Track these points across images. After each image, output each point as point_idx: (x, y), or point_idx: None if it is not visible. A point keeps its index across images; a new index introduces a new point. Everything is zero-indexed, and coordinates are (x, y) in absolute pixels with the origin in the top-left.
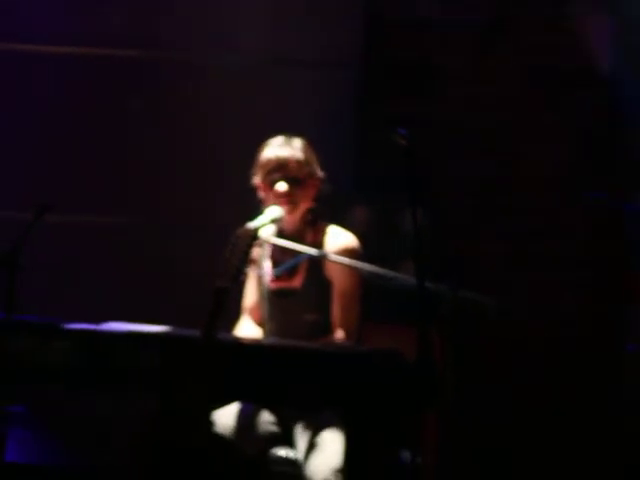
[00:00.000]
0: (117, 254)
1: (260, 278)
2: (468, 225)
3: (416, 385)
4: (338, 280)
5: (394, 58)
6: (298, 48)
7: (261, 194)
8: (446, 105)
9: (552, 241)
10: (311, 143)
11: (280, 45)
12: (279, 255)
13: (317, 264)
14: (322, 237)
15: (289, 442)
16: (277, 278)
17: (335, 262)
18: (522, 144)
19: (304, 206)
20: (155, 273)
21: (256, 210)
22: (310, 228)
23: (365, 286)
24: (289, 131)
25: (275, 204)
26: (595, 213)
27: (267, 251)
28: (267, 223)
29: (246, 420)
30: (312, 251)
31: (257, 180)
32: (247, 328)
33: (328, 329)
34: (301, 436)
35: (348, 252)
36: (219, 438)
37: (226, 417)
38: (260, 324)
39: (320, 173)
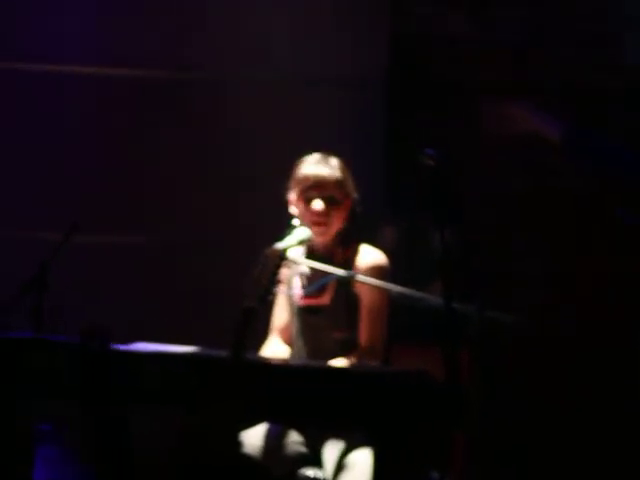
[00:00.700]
0: (144, 274)
1: (289, 297)
2: (497, 243)
3: (444, 405)
4: (366, 297)
5: (423, 75)
6: (327, 66)
7: (294, 209)
8: (476, 123)
9: (583, 257)
10: (346, 163)
11: (309, 63)
12: (309, 274)
13: (346, 281)
14: (352, 255)
15: (317, 462)
16: (306, 296)
17: (364, 281)
18: (553, 160)
19: (337, 227)
20: (182, 293)
21: (285, 229)
22: (340, 247)
23: (393, 306)
24: (319, 149)
25: (309, 221)
26: (627, 229)
27: (297, 270)
28: (295, 244)
29: (274, 440)
30: (341, 272)
31: (292, 195)
32: (275, 347)
33: (356, 346)
34: (329, 456)
35: (377, 270)
36: (247, 459)
37: (254, 437)
38: (289, 344)
39: (355, 194)
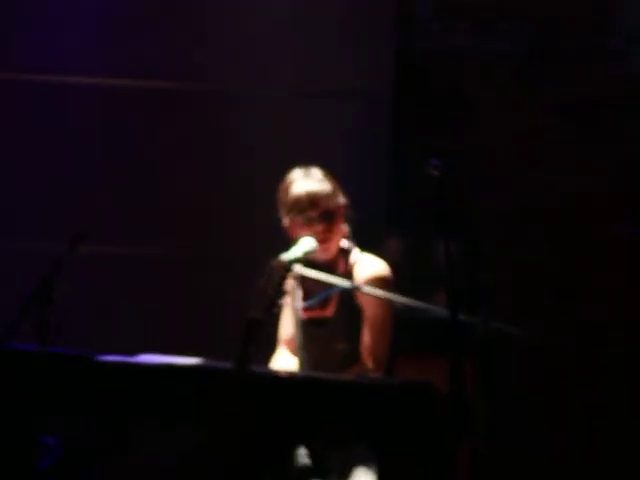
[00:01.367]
0: (149, 285)
1: (294, 308)
2: (501, 256)
3: (448, 417)
4: (369, 308)
5: (427, 89)
6: (331, 80)
7: (292, 233)
8: (479, 136)
9: (585, 273)
10: (339, 170)
11: (313, 77)
12: (311, 285)
13: (349, 293)
14: (354, 266)
15: (322, 475)
16: (309, 309)
17: (367, 293)
18: (556, 175)
19: (339, 237)
20: (187, 304)
21: (289, 241)
22: (342, 257)
23: (398, 318)
24: (321, 164)
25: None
26: (631, 245)
27: (299, 281)
28: (301, 255)
29: None
30: (344, 283)
31: (287, 221)
32: (284, 359)
33: (360, 358)
34: (334, 469)
35: (379, 280)
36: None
37: None
38: (296, 355)
39: (344, 199)
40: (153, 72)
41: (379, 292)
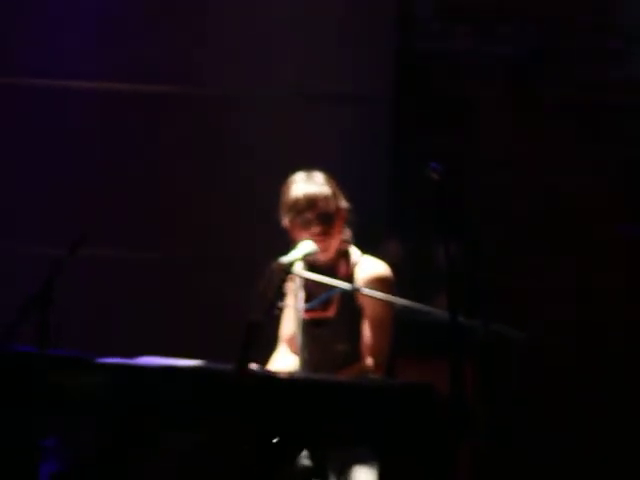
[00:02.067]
0: (149, 287)
1: (295, 309)
2: (501, 258)
3: (449, 419)
4: (370, 308)
5: (427, 90)
6: (330, 81)
7: (292, 234)
8: (479, 137)
9: (585, 273)
10: (341, 173)
11: (312, 78)
12: (313, 286)
13: (350, 293)
14: (354, 267)
15: (322, 476)
16: (310, 309)
17: (368, 294)
18: (556, 176)
19: (337, 240)
20: (187, 306)
21: (289, 243)
22: (343, 258)
23: (398, 320)
24: (322, 165)
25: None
26: (631, 246)
27: (301, 283)
28: (300, 257)
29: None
30: (345, 285)
31: (286, 222)
32: (284, 358)
33: (360, 358)
34: (334, 470)
35: (380, 281)
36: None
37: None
38: (296, 354)
39: (345, 203)
40: (153, 74)
41: (380, 293)
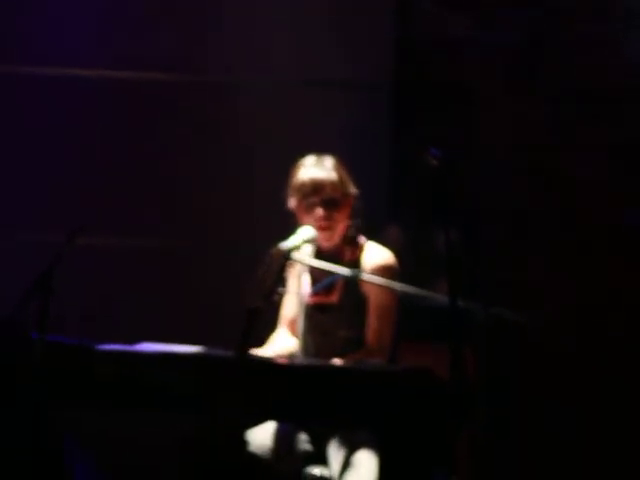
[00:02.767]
0: (149, 276)
1: (298, 294)
2: (501, 243)
3: (449, 404)
4: (374, 296)
5: (427, 78)
6: (330, 69)
7: (297, 216)
8: (479, 125)
9: (586, 259)
10: (342, 160)
11: (312, 66)
12: (318, 272)
13: (354, 280)
14: (360, 254)
15: (323, 461)
16: (315, 294)
17: (372, 281)
18: (555, 165)
19: (342, 225)
20: (186, 293)
21: (290, 230)
22: (348, 245)
23: (400, 305)
24: (322, 151)
25: (313, 227)
26: (631, 235)
27: (306, 268)
28: (300, 243)
29: (280, 439)
30: (349, 271)
31: (292, 203)
32: (283, 339)
33: (363, 345)
34: (335, 455)
35: (385, 269)
36: (254, 457)
37: (261, 436)
38: (296, 336)
39: (354, 190)
40: (152, 64)
41: (383, 280)
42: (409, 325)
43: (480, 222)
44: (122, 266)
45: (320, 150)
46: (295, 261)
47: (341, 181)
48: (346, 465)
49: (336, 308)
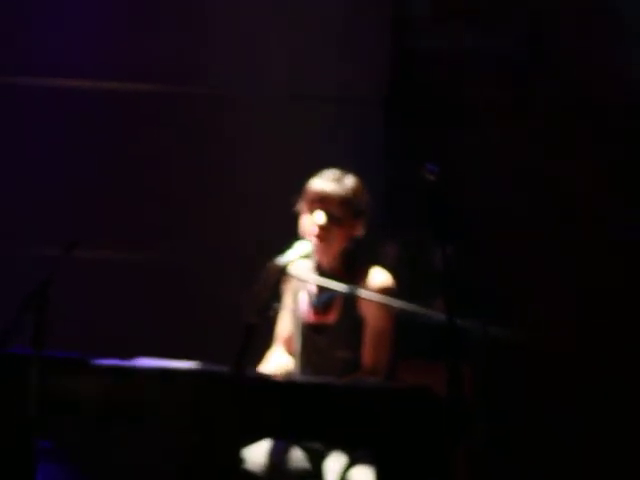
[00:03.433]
0: (146, 290)
1: (294, 311)
2: (500, 260)
3: (447, 421)
4: (372, 318)
5: (423, 91)
6: (326, 82)
7: (300, 221)
8: (477, 137)
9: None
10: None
11: (308, 79)
12: (315, 289)
13: (352, 301)
14: (359, 276)
15: (319, 478)
16: (314, 309)
17: (369, 300)
18: (556, 175)
19: (338, 245)
20: (182, 309)
21: (287, 244)
22: (347, 266)
23: (397, 323)
24: (318, 165)
25: (310, 234)
26: (630, 246)
27: (303, 285)
28: (296, 258)
29: (276, 457)
30: (346, 288)
31: (300, 206)
32: (278, 357)
33: (360, 367)
34: (331, 472)
35: (383, 292)
36: (250, 475)
37: (256, 454)
38: (292, 354)
39: (362, 217)
40: (150, 76)
41: (379, 297)
42: (406, 343)
43: (477, 237)
44: (118, 280)
45: (315, 164)
46: (291, 276)
47: (351, 202)
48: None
49: (333, 329)
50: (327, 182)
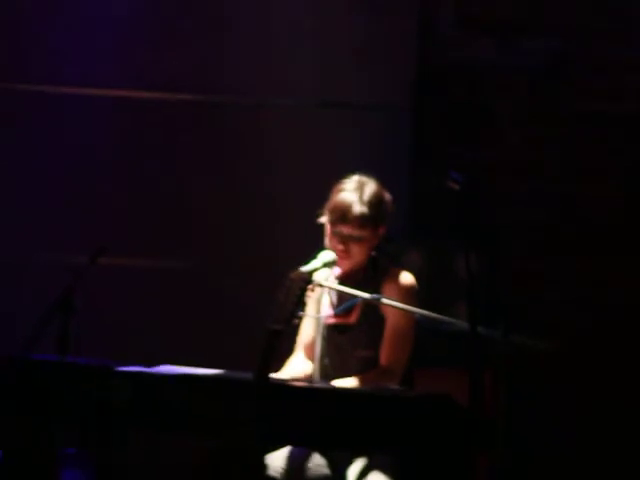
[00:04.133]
0: (171, 297)
1: (316, 316)
2: (522, 270)
3: (468, 429)
4: (392, 317)
5: (448, 102)
6: (352, 92)
7: (325, 230)
8: (498, 148)
9: (603, 283)
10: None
11: (334, 89)
12: (338, 294)
13: (374, 302)
14: (381, 277)
15: None
16: (335, 316)
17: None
18: (572, 187)
19: (361, 257)
20: (207, 316)
21: (309, 249)
22: (370, 270)
23: (419, 329)
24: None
25: (332, 247)
26: None
27: (325, 290)
28: (320, 267)
29: (298, 463)
30: (368, 295)
31: (324, 219)
32: (299, 363)
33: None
34: (352, 478)
35: (406, 291)
36: None
37: (278, 460)
38: (312, 361)
39: (384, 224)
40: (171, 84)
41: (401, 305)
42: (428, 350)
43: (499, 246)
44: (142, 287)
45: (340, 174)
46: (315, 285)
47: (372, 216)
48: None
49: (354, 328)
50: (351, 198)
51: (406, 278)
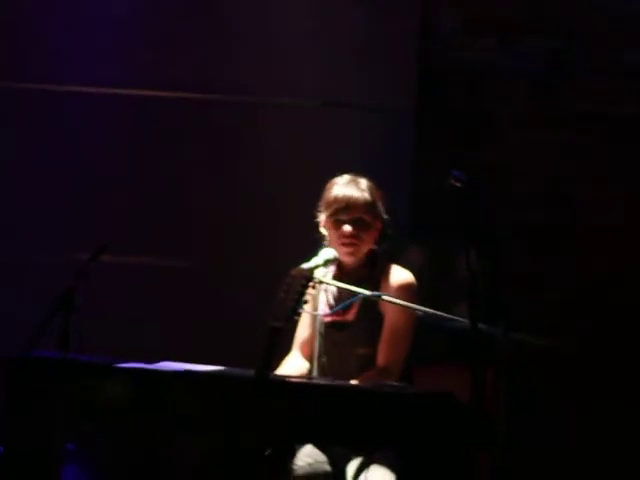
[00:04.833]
0: (172, 296)
1: (314, 314)
2: (521, 269)
3: (469, 427)
4: (391, 316)
5: (448, 102)
6: (353, 93)
7: (324, 231)
8: (498, 150)
9: (603, 284)
10: (376, 185)
11: (335, 90)
12: (336, 292)
13: (372, 299)
14: (380, 275)
15: None
16: (333, 314)
17: (390, 302)
18: (578, 191)
19: (366, 248)
20: (207, 313)
21: (310, 247)
22: (370, 264)
23: (419, 327)
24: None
25: (338, 244)
26: None
27: (324, 287)
28: (321, 264)
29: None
30: (368, 292)
31: (322, 217)
32: (295, 362)
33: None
34: (353, 476)
35: (404, 289)
36: None
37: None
38: (309, 359)
39: (385, 216)
40: (173, 83)
41: (402, 302)
42: (428, 347)
43: (499, 245)
44: (143, 285)
45: (339, 173)
46: (316, 282)
47: (373, 204)
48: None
49: (352, 325)
50: (348, 188)
51: (405, 276)
